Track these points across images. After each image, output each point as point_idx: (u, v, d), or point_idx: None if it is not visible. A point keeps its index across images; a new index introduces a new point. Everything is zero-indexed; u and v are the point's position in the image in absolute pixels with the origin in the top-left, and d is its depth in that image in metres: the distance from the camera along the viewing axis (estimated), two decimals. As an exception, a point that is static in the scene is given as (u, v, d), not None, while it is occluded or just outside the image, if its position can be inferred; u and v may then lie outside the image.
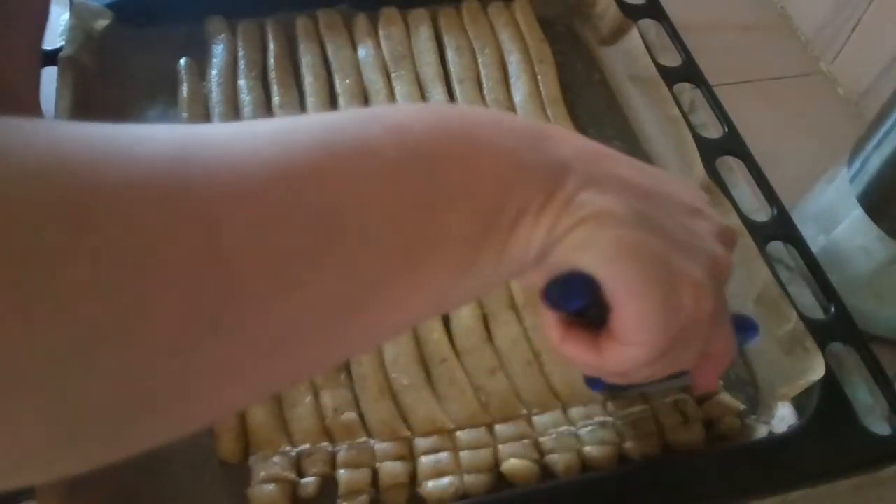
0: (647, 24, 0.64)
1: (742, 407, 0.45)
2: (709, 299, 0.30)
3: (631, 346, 0.31)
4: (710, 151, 0.54)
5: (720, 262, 0.32)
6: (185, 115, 0.56)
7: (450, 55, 0.61)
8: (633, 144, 0.60)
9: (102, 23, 0.59)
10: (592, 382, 0.40)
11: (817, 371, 0.45)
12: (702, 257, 0.31)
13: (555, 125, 0.31)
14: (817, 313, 0.48)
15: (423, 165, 0.26)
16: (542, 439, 0.43)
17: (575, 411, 0.45)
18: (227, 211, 0.21)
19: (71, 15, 0.58)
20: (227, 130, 0.23)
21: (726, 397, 0.46)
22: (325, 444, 0.43)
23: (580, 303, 0.30)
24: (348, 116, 0.26)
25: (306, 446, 0.42)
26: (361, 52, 0.61)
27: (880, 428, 0.45)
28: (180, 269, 0.20)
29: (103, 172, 0.20)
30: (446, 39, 0.62)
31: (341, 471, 0.41)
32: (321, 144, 0.24)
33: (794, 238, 0.51)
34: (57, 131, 0.20)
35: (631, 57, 0.61)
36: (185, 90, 0.57)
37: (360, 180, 0.24)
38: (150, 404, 0.21)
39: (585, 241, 0.28)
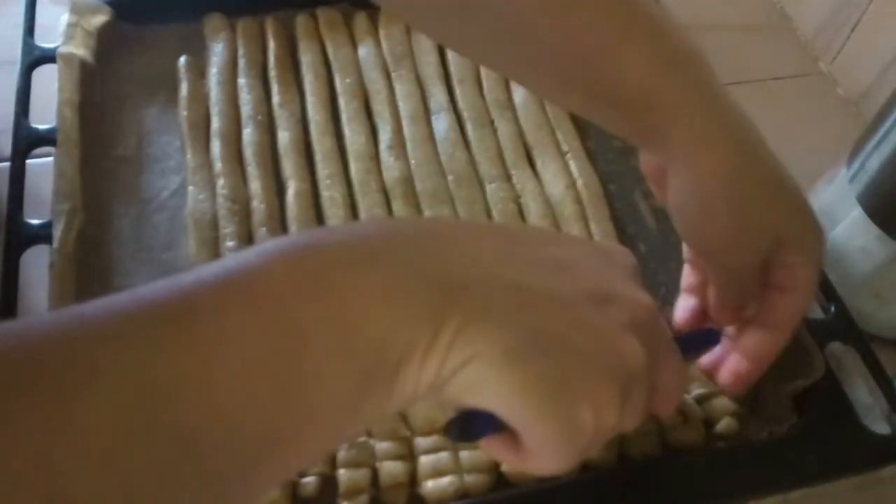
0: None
1: (741, 409, 0.45)
2: (611, 413, 0.29)
3: (542, 461, 0.30)
4: (710, 151, 0.54)
5: (632, 357, 0.30)
6: (184, 113, 0.56)
7: (450, 55, 0.61)
8: (632, 144, 0.60)
9: (101, 19, 0.59)
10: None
11: (817, 370, 0.45)
12: (605, 361, 0.29)
13: (447, 225, 0.30)
14: (817, 313, 0.49)
15: (287, 333, 0.24)
16: (542, 439, 0.43)
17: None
18: (70, 456, 0.19)
19: (70, 11, 0.58)
20: (55, 348, 0.21)
21: (725, 399, 0.46)
22: (325, 443, 0.43)
23: (483, 436, 0.30)
24: (202, 284, 0.24)
25: (306, 446, 0.42)
26: (362, 50, 0.61)
27: (880, 427, 0.45)
28: None
29: None
30: (446, 38, 0.62)
31: (341, 470, 0.41)
32: (174, 337, 0.22)
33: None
34: None
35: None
36: (184, 88, 0.57)
37: (212, 376, 0.22)
38: None
39: (476, 381, 0.27)
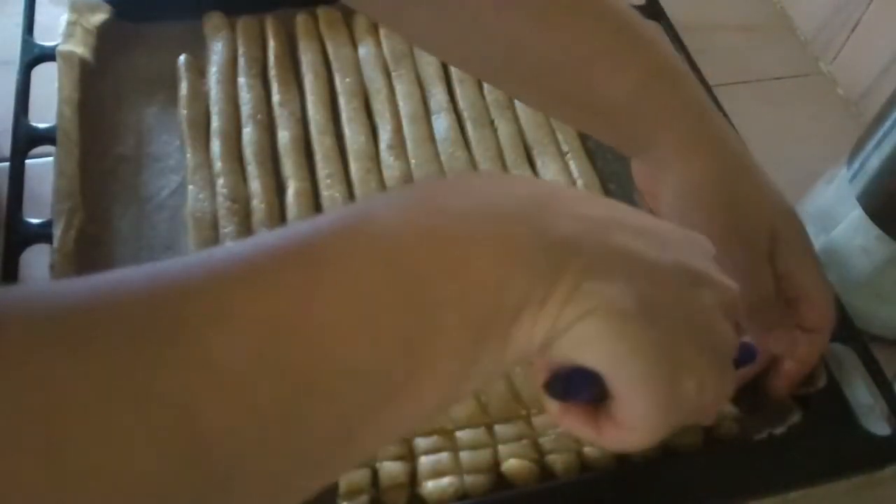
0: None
1: (740, 413, 0.45)
2: (711, 390, 0.30)
3: (630, 433, 0.30)
4: (710, 151, 0.54)
5: (725, 341, 0.30)
6: (184, 112, 0.56)
7: (450, 54, 0.61)
8: (632, 144, 0.60)
9: (101, 18, 0.59)
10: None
11: (819, 380, 0.45)
12: (706, 339, 0.30)
13: (558, 188, 0.29)
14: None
15: (408, 285, 0.24)
16: (541, 440, 0.43)
17: (575, 411, 0.45)
18: (205, 392, 0.20)
19: (69, 9, 0.58)
20: (188, 296, 0.22)
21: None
22: (325, 443, 0.42)
23: (584, 398, 0.30)
24: (322, 237, 0.24)
25: (306, 445, 0.42)
26: (362, 50, 0.61)
27: (879, 428, 0.45)
28: (162, 474, 0.19)
29: (71, 380, 0.19)
30: (446, 38, 0.62)
31: (341, 470, 0.41)
32: (295, 287, 0.23)
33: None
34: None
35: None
36: (184, 87, 0.57)
37: (337, 318, 0.23)
38: None
39: (590, 337, 0.27)
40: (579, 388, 0.29)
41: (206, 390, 0.20)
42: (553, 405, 0.31)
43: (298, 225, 0.24)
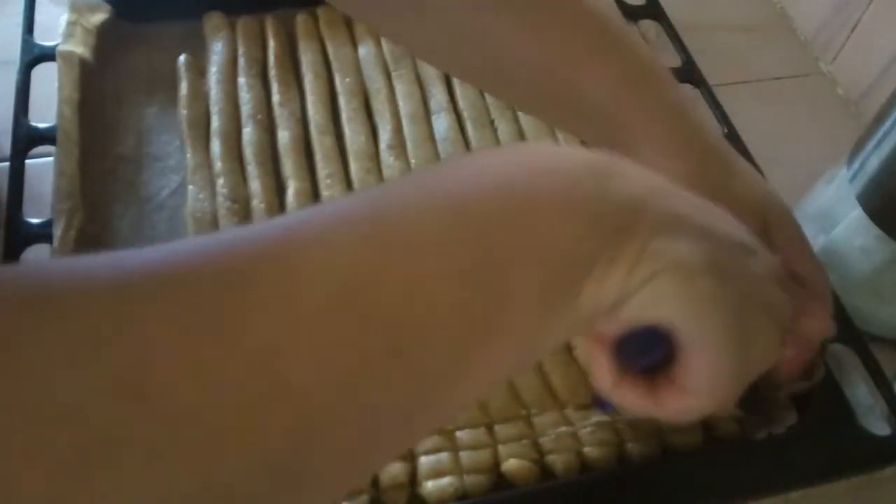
0: (647, 24, 0.64)
1: (740, 413, 0.45)
2: (776, 351, 0.30)
3: (694, 398, 0.30)
4: (710, 151, 0.54)
5: (781, 307, 0.31)
6: (184, 112, 0.56)
7: (450, 54, 0.61)
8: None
9: (101, 17, 0.59)
10: (601, 404, 0.41)
11: (817, 374, 0.45)
12: (767, 302, 0.30)
13: (617, 158, 0.30)
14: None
15: (480, 239, 0.24)
16: (541, 440, 0.43)
17: (574, 412, 0.45)
18: (291, 340, 0.20)
19: (69, 9, 0.58)
20: (268, 245, 0.22)
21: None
22: (325, 443, 0.42)
23: (655, 358, 0.30)
24: (392, 195, 0.25)
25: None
26: (362, 50, 0.61)
27: (879, 428, 0.45)
28: (250, 420, 0.20)
29: (156, 325, 0.19)
30: (446, 38, 0.62)
31: (341, 470, 0.41)
32: (370, 239, 0.23)
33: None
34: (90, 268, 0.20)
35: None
36: (184, 87, 0.57)
37: (416, 272, 0.23)
38: None
39: (664, 293, 0.27)
40: (651, 349, 0.29)
41: (291, 338, 0.20)
42: (607, 379, 0.31)
43: (368, 191, 0.25)
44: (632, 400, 0.31)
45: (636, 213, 0.27)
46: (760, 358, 0.29)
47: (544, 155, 0.28)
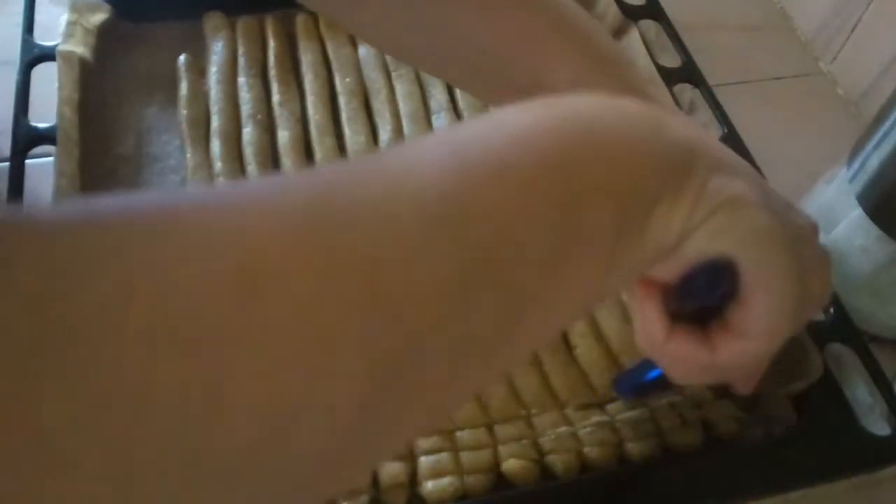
0: (647, 24, 0.64)
1: (740, 412, 0.45)
2: (829, 292, 0.31)
3: (752, 340, 0.30)
4: (710, 151, 0.54)
5: (825, 255, 0.32)
6: (184, 111, 0.56)
7: (450, 54, 0.61)
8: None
9: (101, 17, 0.59)
10: (622, 389, 0.42)
11: (816, 371, 0.45)
12: (816, 247, 0.32)
13: (661, 109, 0.31)
14: (816, 313, 0.49)
15: (555, 173, 0.25)
16: (541, 440, 0.43)
17: (574, 412, 0.45)
18: (388, 253, 0.21)
19: (69, 9, 0.58)
20: (357, 174, 0.23)
21: (724, 402, 0.46)
22: (325, 443, 0.43)
23: (722, 292, 0.30)
24: (470, 132, 0.26)
25: (306, 445, 0.42)
26: (362, 50, 0.61)
27: (879, 428, 0.45)
28: (350, 326, 0.20)
29: (260, 233, 0.19)
30: (446, 38, 0.62)
31: (341, 470, 0.41)
32: (454, 169, 0.23)
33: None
34: (202, 198, 0.20)
35: (631, 58, 0.61)
36: (184, 87, 0.57)
37: (499, 200, 0.24)
38: (342, 462, 0.21)
39: (727, 226, 0.28)
40: (719, 283, 0.30)
41: (388, 253, 0.21)
42: (659, 329, 0.32)
43: (449, 132, 0.27)
44: (686, 350, 0.31)
45: (693, 152, 0.28)
46: (816, 298, 0.31)
47: (604, 101, 0.29)
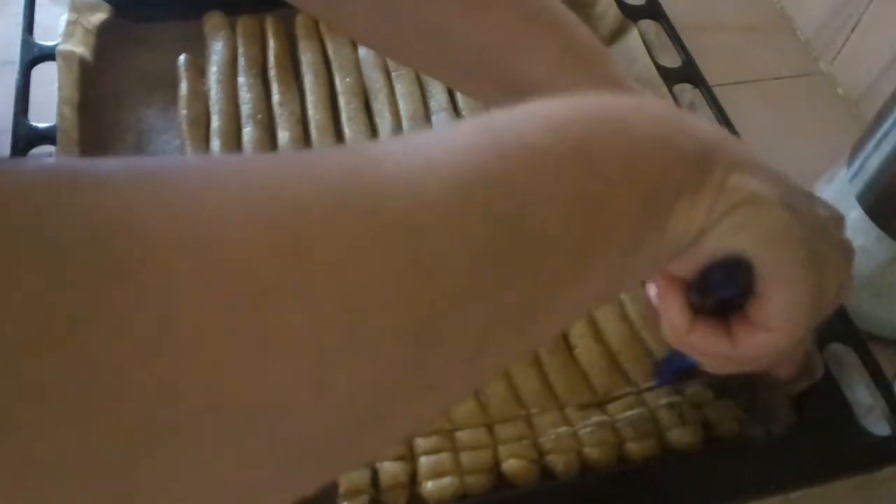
0: (647, 24, 0.64)
1: (740, 412, 0.45)
2: (845, 287, 0.32)
3: (772, 333, 0.31)
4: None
5: (848, 248, 0.33)
6: (184, 111, 0.56)
7: (450, 53, 0.61)
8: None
9: (101, 17, 0.59)
10: (663, 377, 0.43)
11: (816, 372, 0.45)
12: (836, 241, 0.32)
13: (680, 110, 0.32)
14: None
15: (586, 160, 0.26)
16: (541, 440, 0.43)
17: (574, 412, 0.45)
18: (425, 221, 0.22)
19: (69, 9, 0.58)
20: (394, 150, 0.24)
21: (724, 402, 0.46)
22: (325, 443, 0.43)
23: (731, 293, 0.31)
24: (505, 118, 0.26)
25: (306, 445, 0.42)
26: (362, 50, 0.61)
27: (879, 428, 0.45)
28: (390, 285, 0.20)
29: (301, 196, 0.20)
30: (446, 38, 0.62)
31: (341, 470, 0.41)
32: (490, 149, 0.24)
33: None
34: (242, 163, 0.21)
35: (631, 58, 0.61)
36: (184, 87, 0.57)
37: (533, 181, 0.24)
38: (363, 425, 0.22)
39: (744, 223, 0.29)
40: (725, 283, 0.31)
41: (423, 219, 0.22)
42: (681, 320, 0.33)
43: (480, 118, 0.27)
44: (708, 342, 0.32)
45: (713, 150, 0.29)
46: (834, 291, 0.31)
47: (632, 100, 0.30)
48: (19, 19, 0.58)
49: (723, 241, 0.29)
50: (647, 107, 0.30)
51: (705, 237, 0.29)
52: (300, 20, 0.62)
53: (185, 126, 0.55)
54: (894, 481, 0.44)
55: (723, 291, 0.31)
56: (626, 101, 0.29)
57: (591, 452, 0.43)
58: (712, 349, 0.33)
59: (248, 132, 0.55)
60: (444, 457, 0.42)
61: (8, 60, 0.56)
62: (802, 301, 0.30)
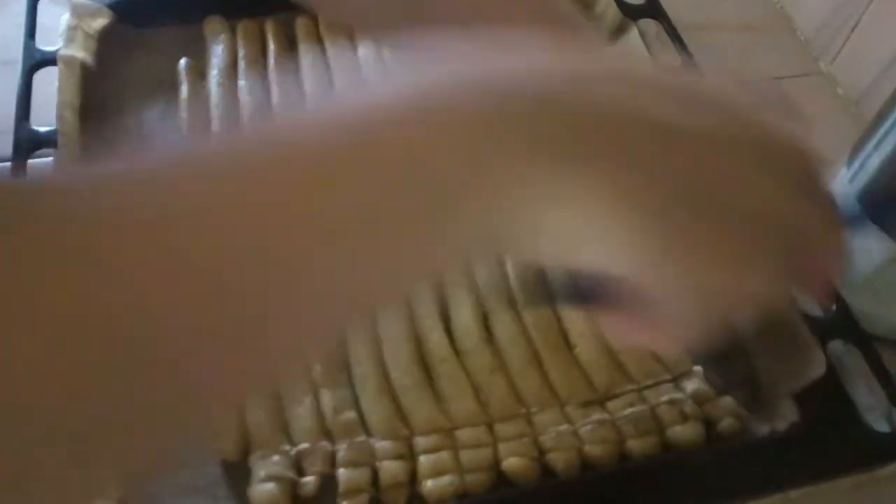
0: (647, 24, 0.64)
1: (741, 409, 0.45)
2: (764, 278, 0.25)
3: (666, 333, 0.27)
4: (709, 151, 0.54)
5: (803, 228, 0.26)
6: (185, 114, 0.56)
7: (450, 55, 0.61)
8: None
9: (101, 22, 0.59)
10: None
11: (818, 369, 0.45)
12: (769, 241, 0.25)
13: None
14: (818, 311, 0.48)
15: (371, 165, 0.22)
16: (541, 438, 0.43)
17: (574, 410, 0.45)
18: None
19: (70, 14, 0.58)
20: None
21: (726, 399, 0.46)
22: (325, 443, 0.43)
23: (596, 300, 0.27)
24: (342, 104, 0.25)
25: (306, 445, 0.42)
26: (362, 51, 0.61)
27: (881, 426, 0.45)
28: None
29: None
30: (446, 40, 0.62)
31: (341, 470, 0.41)
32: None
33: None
34: None
35: (630, 57, 0.61)
36: (184, 90, 0.57)
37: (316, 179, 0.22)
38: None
39: (574, 236, 0.24)
40: (594, 290, 0.26)
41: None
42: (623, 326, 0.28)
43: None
44: (622, 332, 0.28)
45: (516, 120, 0.23)
46: (733, 287, 0.25)
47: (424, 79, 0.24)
48: (20, 19, 0.58)
49: (558, 254, 0.24)
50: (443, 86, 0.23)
51: (535, 244, 0.24)
52: (300, 23, 0.62)
53: (185, 129, 0.55)
54: (895, 480, 0.44)
55: (593, 298, 0.27)
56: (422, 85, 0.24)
57: (592, 450, 0.43)
58: (627, 338, 0.29)
59: (248, 134, 0.55)
60: (444, 455, 0.42)
61: (8, 60, 0.56)
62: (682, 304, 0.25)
